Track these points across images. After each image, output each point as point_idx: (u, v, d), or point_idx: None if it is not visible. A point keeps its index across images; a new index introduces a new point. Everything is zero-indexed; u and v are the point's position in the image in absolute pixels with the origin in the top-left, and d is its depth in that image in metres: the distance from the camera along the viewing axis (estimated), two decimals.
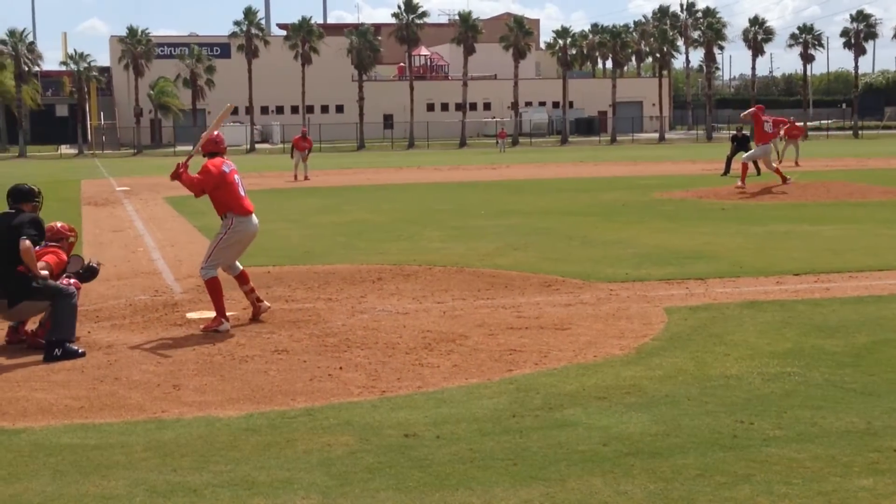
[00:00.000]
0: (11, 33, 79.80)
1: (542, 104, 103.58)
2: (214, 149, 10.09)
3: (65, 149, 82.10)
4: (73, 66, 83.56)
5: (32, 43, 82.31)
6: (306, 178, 36.36)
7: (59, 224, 9.73)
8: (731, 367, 7.81)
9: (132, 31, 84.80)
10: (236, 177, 9.97)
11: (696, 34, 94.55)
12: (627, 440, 6.06)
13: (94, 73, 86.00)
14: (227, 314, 9.81)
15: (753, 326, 9.25)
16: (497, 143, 71.57)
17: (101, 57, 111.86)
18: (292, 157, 37.83)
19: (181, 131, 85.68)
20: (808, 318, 9.60)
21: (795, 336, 8.82)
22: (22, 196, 9.11)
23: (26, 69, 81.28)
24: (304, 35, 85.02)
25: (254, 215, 10.13)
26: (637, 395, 7.07)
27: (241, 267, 10.24)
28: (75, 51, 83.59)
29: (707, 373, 7.65)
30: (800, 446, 5.88)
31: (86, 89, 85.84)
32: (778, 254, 14.17)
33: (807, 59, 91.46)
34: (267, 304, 10.25)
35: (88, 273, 9.66)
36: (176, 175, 9.81)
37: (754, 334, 8.92)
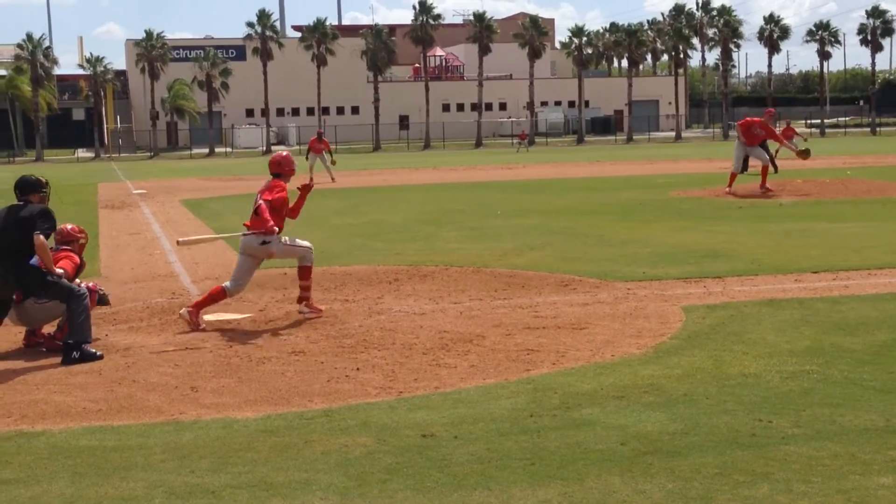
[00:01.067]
0: (28, 38, 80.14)
1: (558, 104, 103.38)
2: (277, 170, 10.59)
3: (82, 152, 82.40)
4: (89, 70, 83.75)
5: (49, 47, 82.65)
6: (332, 179, 36.06)
7: (69, 226, 9.73)
8: (749, 365, 7.78)
9: (148, 34, 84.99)
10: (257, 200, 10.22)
11: (711, 32, 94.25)
12: (645, 439, 6.04)
13: (111, 77, 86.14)
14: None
15: (772, 324, 9.21)
16: (515, 143, 69.69)
17: (118, 60, 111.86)
18: (307, 159, 37.45)
19: (197, 134, 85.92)
20: (827, 315, 9.56)
21: (814, 334, 8.78)
22: (30, 187, 8.98)
23: (43, 74, 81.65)
24: (318, 36, 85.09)
25: (243, 235, 10.23)
26: (655, 393, 7.05)
27: (308, 264, 10.38)
28: (91, 54, 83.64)
29: (725, 371, 7.62)
30: (819, 444, 5.85)
31: (102, 93, 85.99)
32: (796, 251, 14.11)
33: (823, 56, 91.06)
34: (308, 310, 10.27)
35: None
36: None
37: (773, 332, 8.88)
